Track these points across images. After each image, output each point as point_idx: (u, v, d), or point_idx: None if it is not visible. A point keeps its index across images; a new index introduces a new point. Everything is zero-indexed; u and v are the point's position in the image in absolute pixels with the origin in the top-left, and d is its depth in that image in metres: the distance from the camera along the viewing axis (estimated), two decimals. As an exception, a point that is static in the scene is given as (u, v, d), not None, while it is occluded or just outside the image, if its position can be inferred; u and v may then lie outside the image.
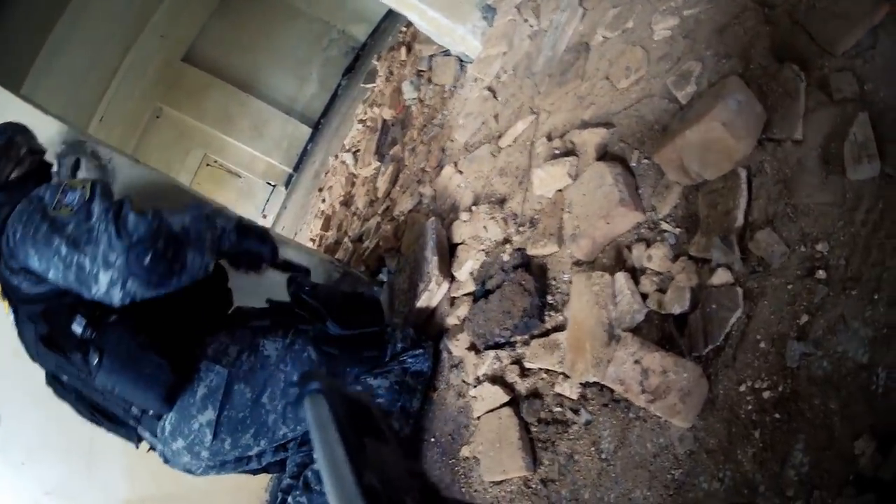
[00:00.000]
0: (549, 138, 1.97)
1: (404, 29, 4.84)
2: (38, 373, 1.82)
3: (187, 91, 7.34)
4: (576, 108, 1.95)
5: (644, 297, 1.38)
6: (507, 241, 1.95)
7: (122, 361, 1.65)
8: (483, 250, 2.03)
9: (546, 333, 1.64)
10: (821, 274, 1.10)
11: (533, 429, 1.55)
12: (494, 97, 2.53)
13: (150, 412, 1.78)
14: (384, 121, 4.12)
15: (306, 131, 7.81)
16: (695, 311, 1.27)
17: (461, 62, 3.08)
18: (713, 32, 1.58)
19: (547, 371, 1.59)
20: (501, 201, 2.08)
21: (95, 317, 1.65)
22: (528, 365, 1.64)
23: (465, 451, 1.75)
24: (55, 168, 2.20)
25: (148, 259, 1.57)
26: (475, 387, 1.77)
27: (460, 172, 2.45)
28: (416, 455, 1.91)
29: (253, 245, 1.91)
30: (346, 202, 4.29)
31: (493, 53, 2.70)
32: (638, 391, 1.23)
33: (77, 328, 1.64)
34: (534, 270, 1.76)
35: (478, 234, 2.07)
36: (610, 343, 1.37)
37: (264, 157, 7.85)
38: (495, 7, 2.81)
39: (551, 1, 2.43)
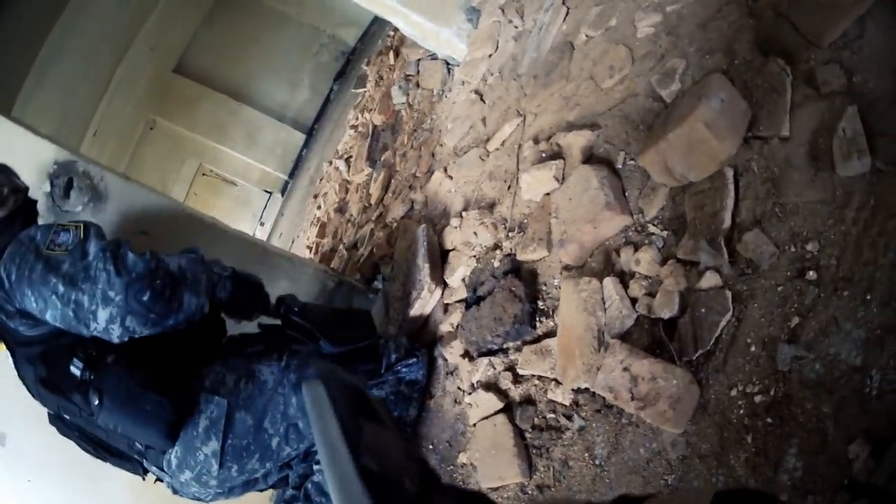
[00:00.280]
0: (536, 141, 1.95)
1: (392, 33, 4.81)
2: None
3: (179, 102, 7.31)
4: (561, 109, 1.93)
5: (633, 301, 1.36)
6: (497, 246, 1.94)
7: (122, 401, 1.65)
8: (474, 256, 2.01)
9: (538, 339, 1.63)
10: (811, 275, 1.08)
11: (527, 435, 1.54)
12: (482, 100, 2.50)
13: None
14: (375, 126, 4.10)
15: (300, 137, 7.78)
16: (684, 315, 1.25)
17: (448, 65, 3.06)
18: (696, 28, 1.56)
19: (539, 377, 1.58)
20: (491, 206, 2.06)
21: (93, 358, 1.65)
22: (521, 371, 1.63)
23: (462, 458, 1.74)
24: (47, 188, 2.20)
25: (147, 296, 1.58)
26: (470, 394, 1.76)
27: (450, 177, 2.43)
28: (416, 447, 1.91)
29: (248, 295, 1.93)
30: (341, 209, 4.27)
31: (478, 56, 2.67)
32: (628, 398, 1.21)
33: (75, 370, 1.64)
34: (524, 276, 1.75)
35: (468, 240, 2.06)
36: (599, 349, 1.36)
37: (259, 164, 7.82)
38: (480, 9, 2.78)
39: (535, 0, 2.41)
